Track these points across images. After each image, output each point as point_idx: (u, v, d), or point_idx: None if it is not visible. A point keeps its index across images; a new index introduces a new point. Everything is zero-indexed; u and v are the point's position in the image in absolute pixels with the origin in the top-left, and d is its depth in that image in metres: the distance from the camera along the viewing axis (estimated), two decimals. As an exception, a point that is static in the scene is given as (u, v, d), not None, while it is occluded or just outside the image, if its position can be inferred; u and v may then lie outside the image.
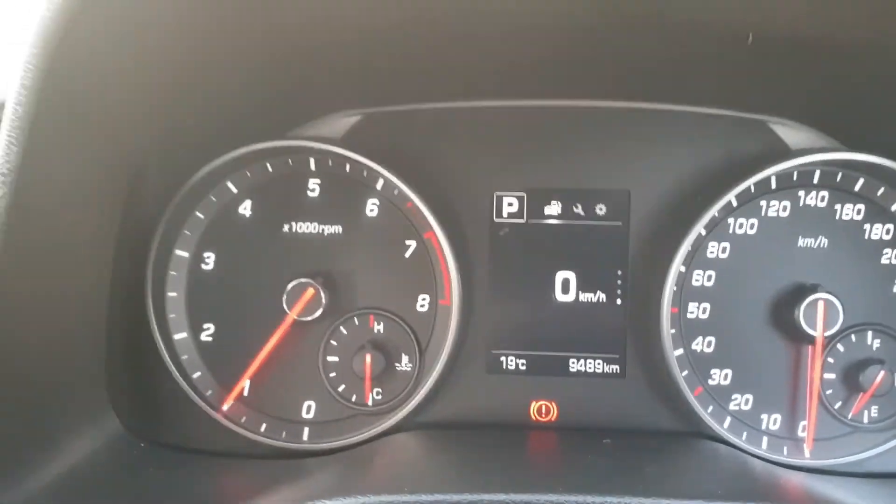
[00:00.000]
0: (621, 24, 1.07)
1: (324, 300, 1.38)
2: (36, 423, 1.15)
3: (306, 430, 1.43)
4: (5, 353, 1.02)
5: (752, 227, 1.41)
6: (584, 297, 1.45)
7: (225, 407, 1.42)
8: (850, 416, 1.39)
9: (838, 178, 1.39)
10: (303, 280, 1.38)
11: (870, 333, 1.39)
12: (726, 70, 1.25)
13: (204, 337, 1.45)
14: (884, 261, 1.40)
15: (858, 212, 1.40)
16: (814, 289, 1.35)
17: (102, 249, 1.22)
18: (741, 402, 1.42)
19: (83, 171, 1.07)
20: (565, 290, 1.45)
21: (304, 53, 1.18)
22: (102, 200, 1.15)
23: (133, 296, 1.38)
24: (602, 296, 1.45)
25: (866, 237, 1.40)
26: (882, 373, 1.35)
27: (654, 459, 1.31)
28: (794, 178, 1.39)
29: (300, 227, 1.45)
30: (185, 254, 1.44)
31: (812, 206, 1.40)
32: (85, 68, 0.90)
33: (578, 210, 1.45)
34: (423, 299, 1.44)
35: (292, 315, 1.38)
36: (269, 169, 1.44)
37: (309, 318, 1.39)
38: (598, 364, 1.45)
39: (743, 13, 0.99)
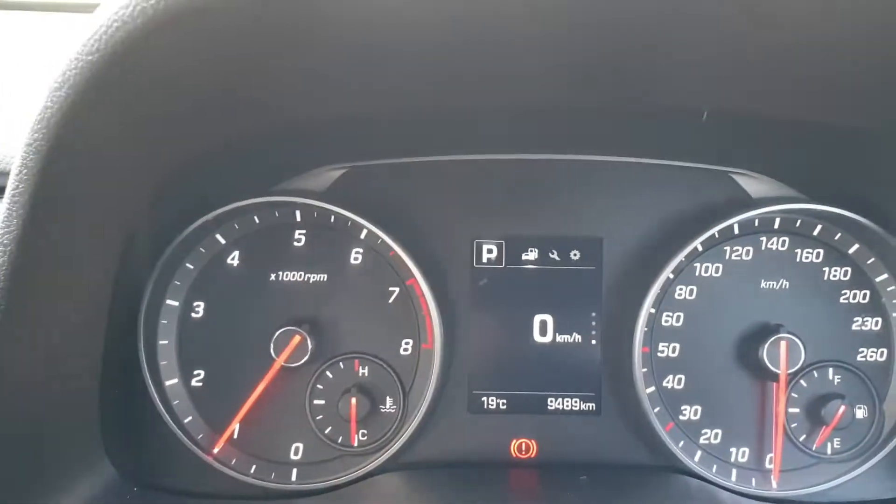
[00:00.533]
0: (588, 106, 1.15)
1: (310, 346, 1.44)
2: (35, 473, 1.19)
3: (294, 471, 1.47)
4: (5, 406, 1.07)
5: (717, 270, 1.48)
6: (561, 338, 1.52)
7: (216, 450, 1.46)
8: (814, 448, 1.46)
9: (798, 224, 1.47)
10: (289, 328, 1.44)
11: (831, 370, 1.46)
12: (690, 131, 1.33)
13: (194, 382, 1.49)
14: (842, 301, 1.48)
15: (818, 255, 1.48)
16: (777, 329, 1.43)
17: (97, 305, 1.26)
18: (711, 436, 1.48)
19: (79, 236, 1.12)
20: (543, 332, 1.52)
21: (292, 117, 1.25)
22: (97, 259, 1.20)
23: (126, 345, 1.43)
24: (578, 337, 1.52)
25: (825, 279, 1.48)
26: (843, 407, 1.42)
27: (629, 494, 1.38)
28: (756, 224, 1.46)
29: (287, 276, 1.50)
30: (176, 303, 1.49)
31: (773, 250, 1.48)
32: (83, 149, 0.95)
33: (554, 256, 1.52)
34: (407, 343, 1.50)
35: (280, 361, 1.43)
36: (257, 221, 1.49)
37: (296, 364, 1.44)
38: (575, 402, 1.51)
39: (694, 98, 1.07)
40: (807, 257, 1.48)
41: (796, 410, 1.46)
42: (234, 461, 1.47)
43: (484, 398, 1.52)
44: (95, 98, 0.85)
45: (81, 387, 1.30)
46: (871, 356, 1.47)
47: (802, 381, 1.46)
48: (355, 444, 1.47)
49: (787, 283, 1.47)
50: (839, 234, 1.46)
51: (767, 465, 1.47)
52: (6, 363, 1.03)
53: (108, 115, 0.90)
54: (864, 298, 1.47)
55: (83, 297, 1.22)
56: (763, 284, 1.47)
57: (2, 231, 0.98)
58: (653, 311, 1.46)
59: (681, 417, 1.49)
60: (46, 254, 1.04)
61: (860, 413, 1.45)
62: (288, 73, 1.04)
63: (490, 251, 1.53)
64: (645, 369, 1.45)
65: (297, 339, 1.43)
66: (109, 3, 0.77)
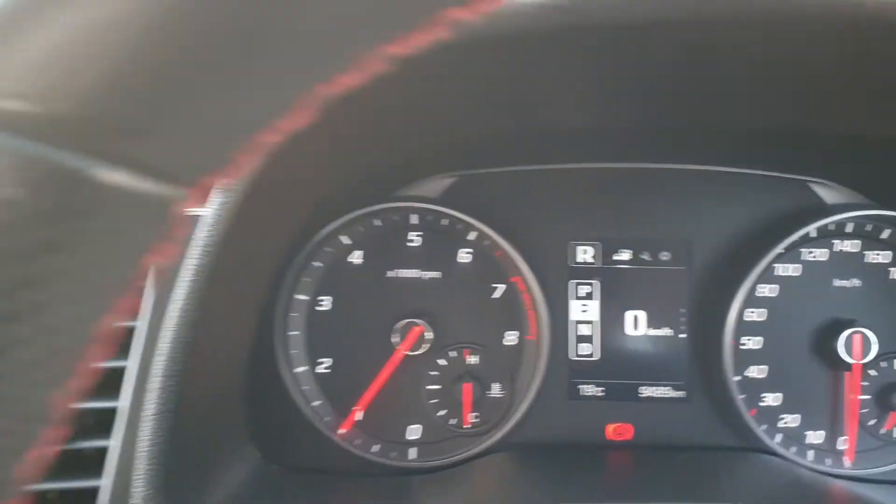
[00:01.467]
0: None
1: (429, 337, 1.59)
2: (198, 463, 1.32)
3: (413, 450, 1.62)
4: (189, 397, 1.21)
5: (795, 270, 1.62)
6: (652, 332, 1.66)
7: (341, 431, 1.62)
8: (882, 432, 1.59)
9: (868, 229, 1.61)
10: (411, 320, 1.59)
11: (898, 360, 1.61)
12: (776, 144, 1.48)
13: (321, 370, 1.64)
14: (907, 298, 1.62)
15: (885, 257, 1.62)
16: (850, 323, 1.56)
17: (254, 302, 1.42)
18: (789, 420, 1.62)
19: (255, 244, 1.28)
20: (635, 326, 1.67)
21: (412, 138, 1.42)
22: (265, 261, 1.35)
23: (261, 336, 1.58)
24: (668, 331, 1.66)
25: (892, 278, 1.62)
26: (909, 394, 1.57)
27: (720, 473, 1.52)
28: (831, 229, 1.61)
29: (403, 273, 1.66)
30: (305, 297, 1.64)
31: (846, 252, 1.62)
32: (289, 164, 1.11)
33: (646, 256, 1.67)
34: (512, 335, 1.65)
35: (402, 350, 1.59)
36: (377, 223, 1.65)
37: (416, 353, 1.59)
38: (666, 390, 1.66)
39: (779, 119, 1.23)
40: (875, 258, 1.62)
41: (867, 397, 1.60)
42: (357, 441, 1.62)
43: (581, 386, 1.67)
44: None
45: (234, 377, 1.45)
46: (935, 348, 1.61)
47: (872, 371, 1.60)
48: (468, 427, 1.62)
49: (859, 282, 1.61)
50: (905, 238, 1.61)
51: (840, 447, 1.60)
52: (197, 359, 1.17)
53: (324, 129, 1.05)
54: (926, 296, 1.62)
55: (247, 295, 1.38)
56: (836, 283, 1.61)
57: (209, 232, 1.13)
58: (739, 307, 1.61)
59: (761, 403, 1.62)
60: (239, 255, 1.20)
61: (925, 400, 1.60)
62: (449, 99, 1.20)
63: (585, 252, 1.68)
64: (731, 360, 1.60)
65: (418, 329, 1.58)
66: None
